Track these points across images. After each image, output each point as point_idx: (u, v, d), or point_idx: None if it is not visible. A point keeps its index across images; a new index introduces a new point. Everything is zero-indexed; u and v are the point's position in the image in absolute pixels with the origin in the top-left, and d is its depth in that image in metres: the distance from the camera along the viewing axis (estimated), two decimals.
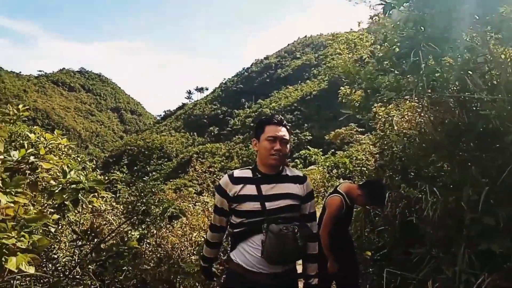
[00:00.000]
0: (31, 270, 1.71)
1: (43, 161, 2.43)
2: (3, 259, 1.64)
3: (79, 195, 2.42)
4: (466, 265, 2.25)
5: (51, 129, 3.16)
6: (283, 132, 1.94)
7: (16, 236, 1.71)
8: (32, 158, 2.39)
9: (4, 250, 1.65)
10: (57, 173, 2.74)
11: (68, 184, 2.45)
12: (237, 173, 2.03)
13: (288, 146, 1.96)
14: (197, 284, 3.43)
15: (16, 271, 1.64)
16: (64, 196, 2.41)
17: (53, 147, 2.89)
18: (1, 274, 1.61)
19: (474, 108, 2.79)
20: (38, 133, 3.15)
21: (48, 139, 2.88)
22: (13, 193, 2.03)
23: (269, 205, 1.87)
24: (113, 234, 2.90)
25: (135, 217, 2.86)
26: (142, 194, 3.02)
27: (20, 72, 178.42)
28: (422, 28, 2.62)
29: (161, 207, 2.88)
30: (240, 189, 1.92)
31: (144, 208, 2.84)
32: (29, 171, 2.40)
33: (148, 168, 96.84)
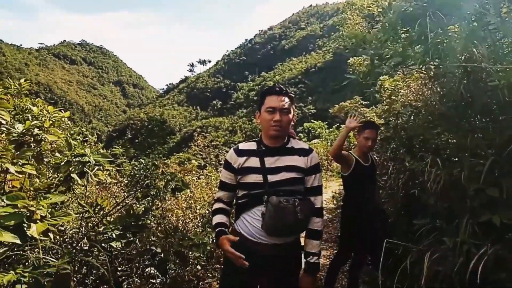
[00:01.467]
0: (51, 236, 1.80)
1: (48, 134, 2.42)
2: (25, 225, 1.68)
3: (85, 168, 2.43)
4: (469, 236, 2.26)
5: (53, 103, 3.15)
6: (283, 101, 1.88)
7: (35, 205, 1.76)
8: (36, 131, 2.38)
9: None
10: (62, 146, 2.75)
11: (73, 157, 2.45)
12: (242, 145, 2.03)
13: (290, 115, 1.91)
14: (203, 255, 3.52)
15: (38, 237, 1.70)
16: (70, 169, 2.42)
17: (56, 120, 2.88)
18: (24, 240, 1.66)
19: (481, 79, 2.72)
20: (41, 106, 3.14)
21: (51, 112, 2.87)
22: (20, 164, 2.05)
23: (271, 177, 1.86)
24: (118, 207, 2.94)
25: (139, 191, 2.88)
26: (146, 167, 3.04)
27: (21, 45, 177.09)
28: None
29: (164, 180, 2.90)
30: (244, 161, 1.93)
31: (147, 181, 2.86)
32: (33, 144, 2.40)
33: (150, 140, 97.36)
